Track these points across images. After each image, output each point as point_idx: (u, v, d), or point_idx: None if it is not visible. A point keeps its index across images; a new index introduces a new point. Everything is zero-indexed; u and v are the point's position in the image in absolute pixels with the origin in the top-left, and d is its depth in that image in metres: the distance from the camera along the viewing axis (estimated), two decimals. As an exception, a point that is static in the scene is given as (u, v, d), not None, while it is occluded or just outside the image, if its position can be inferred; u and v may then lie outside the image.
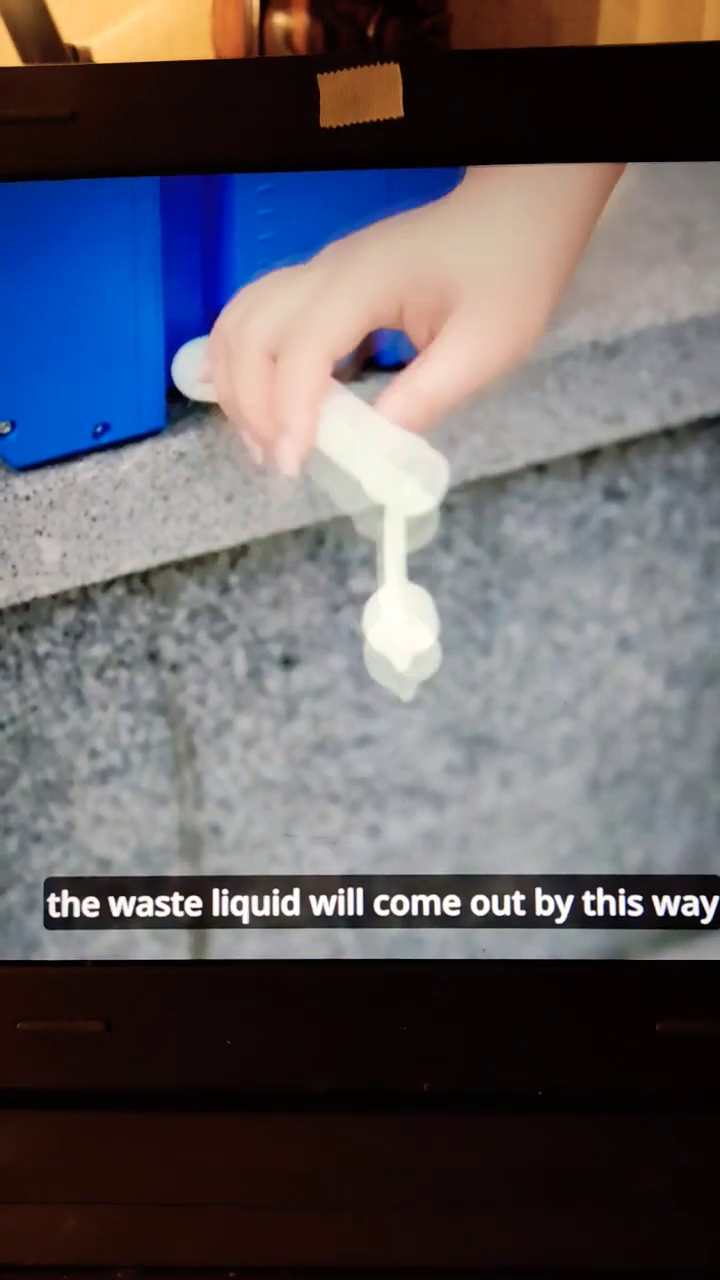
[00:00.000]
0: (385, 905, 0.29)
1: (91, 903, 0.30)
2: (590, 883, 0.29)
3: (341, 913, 0.29)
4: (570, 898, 0.29)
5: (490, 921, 0.29)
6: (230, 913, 0.30)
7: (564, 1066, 0.29)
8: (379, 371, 0.30)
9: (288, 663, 0.30)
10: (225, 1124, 0.29)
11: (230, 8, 0.62)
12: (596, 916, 0.29)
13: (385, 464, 0.28)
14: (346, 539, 0.30)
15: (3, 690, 0.30)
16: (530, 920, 0.29)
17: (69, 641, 0.30)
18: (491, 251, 0.28)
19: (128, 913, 0.30)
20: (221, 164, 0.29)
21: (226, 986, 0.29)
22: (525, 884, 0.29)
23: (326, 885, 0.30)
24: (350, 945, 0.29)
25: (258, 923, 0.29)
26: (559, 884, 0.29)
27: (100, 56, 0.60)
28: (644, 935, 0.29)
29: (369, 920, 0.29)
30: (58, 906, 0.30)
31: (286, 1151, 0.28)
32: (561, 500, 0.30)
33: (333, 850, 0.30)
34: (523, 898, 0.29)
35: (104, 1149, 0.28)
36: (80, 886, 0.30)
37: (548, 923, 0.29)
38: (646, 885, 0.29)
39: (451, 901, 0.29)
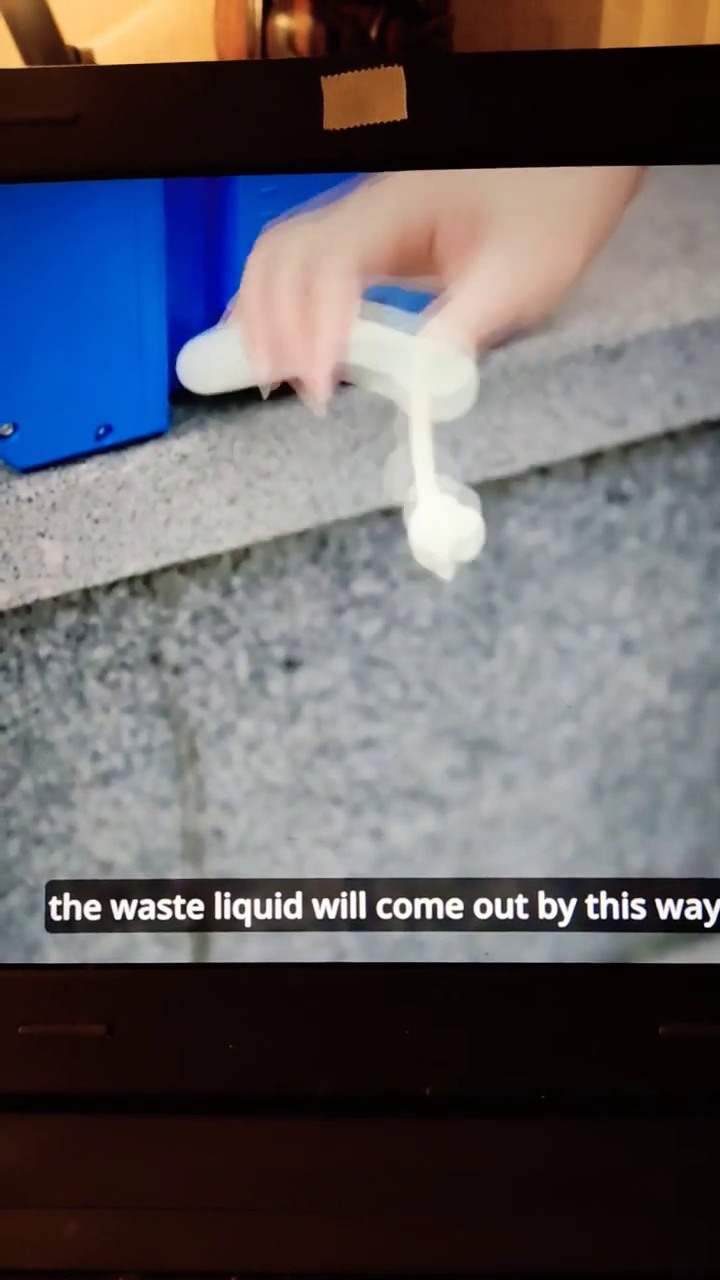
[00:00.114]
0: (388, 908, 0.29)
1: (93, 906, 0.30)
2: (593, 886, 0.29)
3: (344, 916, 0.29)
4: (573, 901, 0.29)
5: (493, 925, 0.29)
6: (232, 916, 0.29)
7: (567, 1070, 0.29)
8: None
9: (290, 665, 0.30)
10: (227, 1128, 0.29)
11: (233, 10, 0.62)
12: (599, 920, 0.29)
13: (414, 356, 0.28)
14: (349, 541, 0.30)
15: (5, 693, 0.30)
16: (533, 923, 0.29)
17: (71, 644, 0.30)
18: (526, 190, 0.29)
19: (129, 916, 0.30)
20: (225, 166, 0.29)
21: (229, 990, 0.29)
22: (528, 887, 0.29)
23: (329, 888, 0.29)
24: (353, 948, 0.29)
25: (260, 926, 0.29)
26: (562, 887, 0.29)
27: (103, 59, 0.61)
28: (647, 939, 0.29)
29: (371, 923, 0.29)
30: (59, 909, 0.30)
31: (288, 1155, 0.28)
32: (564, 503, 0.30)
33: (335, 853, 0.30)
34: (525, 901, 0.29)
35: (105, 1153, 0.28)
36: (82, 889, 0.30)
37: (550, 926, 0.29)
38: (649, 888, 0.29)
39: (454, 905, 0.29)
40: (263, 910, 0.29)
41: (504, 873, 0.29)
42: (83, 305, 0.29)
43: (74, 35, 0.60)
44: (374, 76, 0.29)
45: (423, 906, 0.29)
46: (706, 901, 0.29)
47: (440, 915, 0.29)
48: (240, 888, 0.30)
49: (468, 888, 0.29)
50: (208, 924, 0.29)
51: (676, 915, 0.29)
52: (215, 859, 0.30)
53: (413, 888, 0.29)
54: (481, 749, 0.30)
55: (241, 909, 0.29)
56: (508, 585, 0.30)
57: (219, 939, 0.29)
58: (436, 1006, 0.29)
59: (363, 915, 0.29)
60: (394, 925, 0.29)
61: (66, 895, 0.30)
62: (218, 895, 0.30)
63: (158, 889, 0.30)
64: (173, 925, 0.30)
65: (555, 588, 0.30)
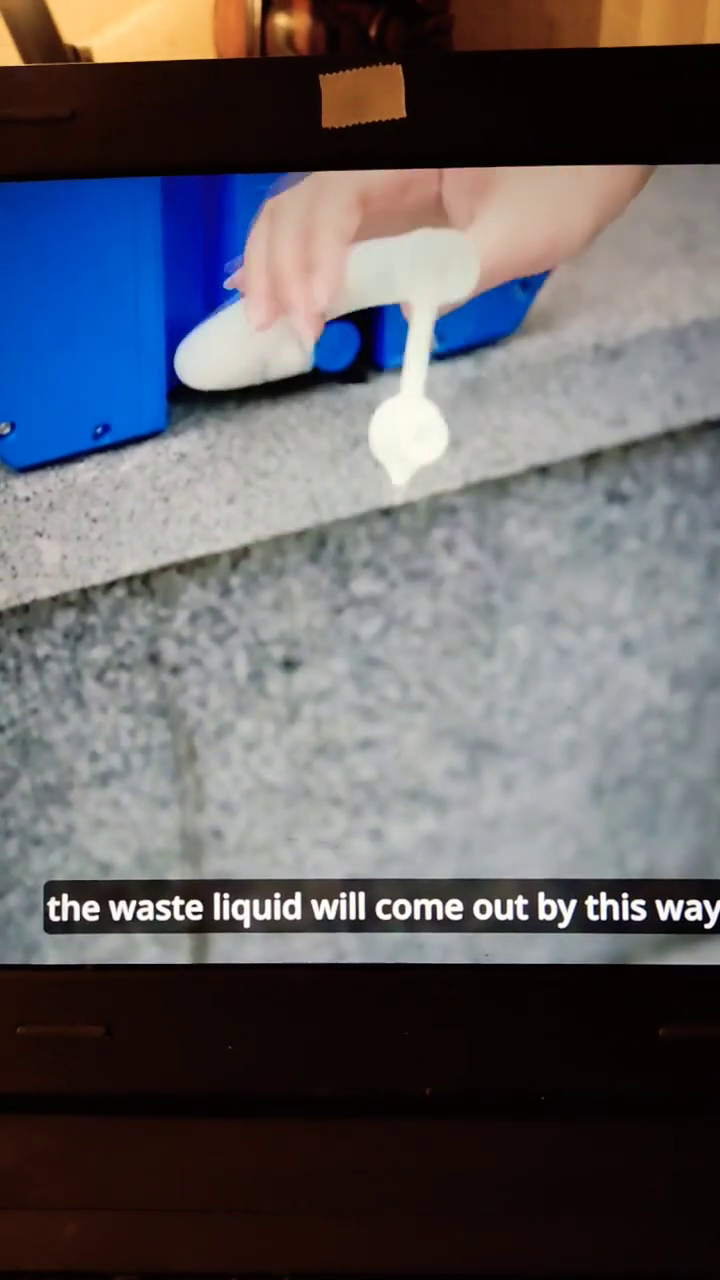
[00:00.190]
0: (387, 909, 0.29)
1: (92, 906, 0.30)
2: (593, 887, 0.29)
3: (343, 917, 0.29)
4: (573, 902, 0.29)
5: (493, 926, 0.29)
6: (231, 917, 0.29)
7: (567, 1072, 0.29)
8: (381, 373, 0.30)
9: (289, 665, 0.30)
10: (226, 1129, 0.29)
11: (232, 9, 0.62)
12: (599, 921, 0.29)
13: (416, 250, 0.28)
14: (348, 541, 0.30)
15: (2, 693, 0.30)
16: (533, 925, 0.29)
17: (69, 644, 0.30)
18: None
19: (128, 917, 0.29)
20: (223, 165, 0.29)
21: (228, 991, 0.29)
22: (528, 888, 0.29)
23: (328, 889, 0.29)
24: (352, 949, 0.29)
25: (259, 927, 0.29)
26: (562, 888, 0.29)
27: (101, 57, 0.60)
28: (647, 940, 0.29)
29: (371, 924, 0.29)
30: (58, 910, 0.30)
31: (288, 1156, 0.28)
32: (564, 503, 0.30)
33: (335, 854, 0.30)
34: (525, 902, 0.29)
35: (104, 1154, 0.28)
36: (80, 890, 0.30)
37: (550, 927, 0.29)
38: (649, 890, 0.29)
39: (454, 906, 0.29)
40: (262, 911, 0.29)
41: (504, 874, 0.29)
42: (80, 304, 0.29)
43: (73, 34, 0.60)
44: (372, 75, 0.29)
45: (422, 907, 0.29)
46: (706, 903, 0.29)
47: (440, 916, 0.29)
48: (239, 888, 0.29)
49: (467, 889, 0.29)
50: (207, 925, 0.29)
51: (676, 916, 0.29)
52: (214, 859, 0.30)
53: (412, 889, 0.29)
54: (481, 750, 0.30)
55: (240, 910, 0.29)
56: (507, 585, 0.30)
57: (218, 940, 0.29)
58: (436, 1008, 0.29)
59: (362, 916, 0.29)
60: (393, 926, 0.29)
61: (65, 896, 0.30)
62: (216, 896, 0.29)
63: (156, 890, 0.30)
64: (171, 926, 0.29)
65: (555, 588, 0.30)
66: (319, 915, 0.29)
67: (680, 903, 0.29)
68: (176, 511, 0.30)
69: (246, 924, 0.29)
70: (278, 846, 0.30)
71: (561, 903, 0.29)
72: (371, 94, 0.29)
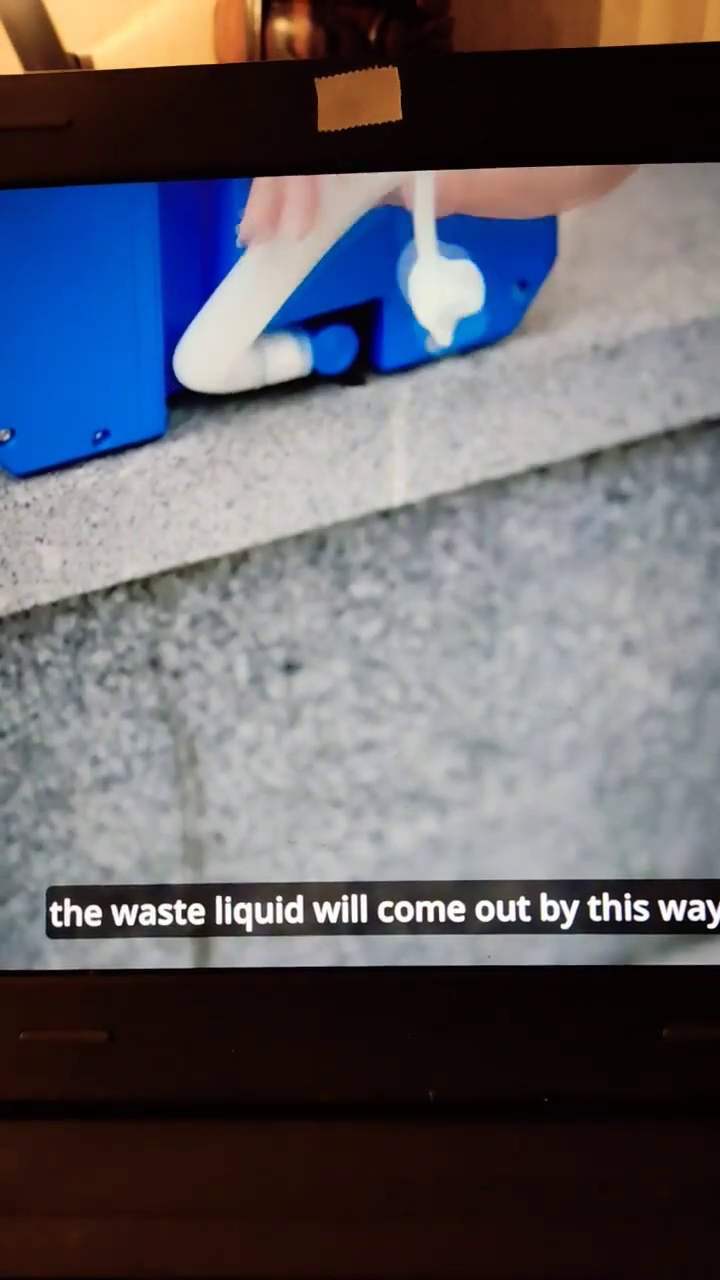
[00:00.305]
0: (389, 912, 0.29)
1: (94, 911, 0.30)
2: (596, 888, 0.29)
3: (345, 920, 0.29)
4: (575, 903, 0.29)
5: (495, 927, 0.29)
6: (234, 921, 0.29)
7: (570, 1074, 0.28)
8: (380, 375, 0.30)
9: (290, 668, 0.30)
10: (229, 1134, 0.28)
11: (232, 14, 0.62)
12: (602, 922, 0.29)
13: None
14: (348, 543, 0.30)
15: (4, 699, 0.30)
16: (535, 926, 0.29)
17: (70, 649, 0.30)
18: None
19: (130, 921, 0.29)
20: (219, 169, 0.29)
21: (230, 995, 0.29)
22: (530, 889, 0.29)
23: (330, 892, 0.29)
24: (354, 952, 0.29)
25: (261, 930, 0.29)
26: (564, 889, 0.29)
27: (103, 65, 0.61)
28: (650, 941, 0.29)
29: (373, 927, 0.29)
30: (60, 915, 0.30)
31: (291, 1161, 0.28)
32: (564, 503, 0.30)
33: (336, 856, 0.30)
34: (527, 903, 0.29)
35: (107, 1160, 0.28)
36: (82, 895, 0.30)
37: (553, 928, 0.29)
38: (652, 890, 0.29)
39: (456, 908, 0.29)
40: (264, 915, 0.29)
41: (506, 875, 0.29)
42: (79, 310, 0.29)
43: (74, 43, 0.60)
44: (368, 78, 0.29)
45: (424, 910, 0.29)
46: (710, 902, 0.29)
47: (442, 918, 0.29)
48: (241, 892, 0.29)
49: (469, 890, 0.29)
50: (209, 929, 0.29)
51: (680, 917, 0.29)
52: (216, 863, 0.30)
53: (414, 891, 0.29)
54: (482, 751, 0.30)
55: (242, 914, 0.29)
56: (507, 586, 0.30)
57: (220, 944, 0.29)
58: (438, 1010, 0.29)
59: (364, 919, 0.29)
60: (395, 929, 0.29)
61: (67, 901, 0.30)
62: (218, 900, 0.29)
63: (158, 894, 0.30)
64: (174, 930, 0.29)
65: (555, 588, 0.30)
66: (321, 918, 0.29)
67: (683, 903, 0.29)
68: (176, 516, 0.30)
69: (249, 928, 0.29)
70: (279, 849, 0.30)
71: (564, 904, 0.29)
72: (367, 97, 0.29)
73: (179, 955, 0.29)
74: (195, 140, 0.29)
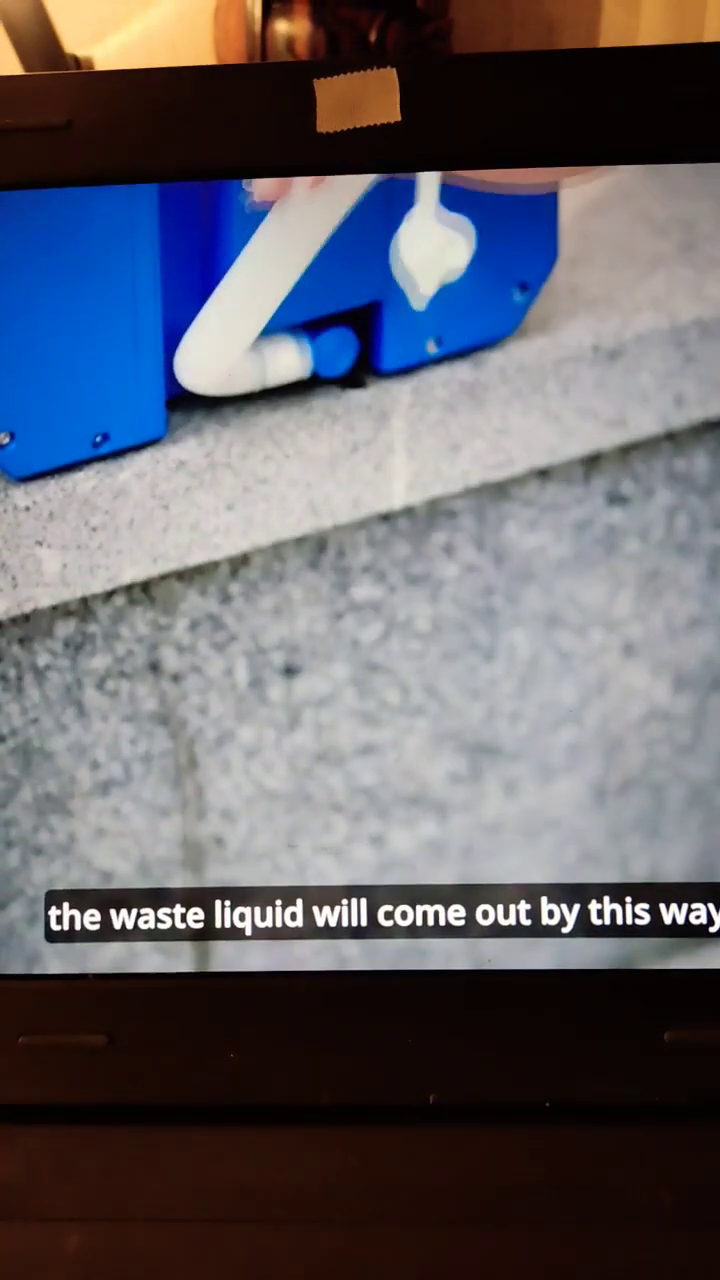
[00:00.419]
0: (389, 915, 0.29)
1: (93, 915, 0.30)
2: (596, 891, 0.29)
3: (345, 924, 0.29)
4: (576, 906, 0.29)
5: (495, 931, 0.29)
6: (233, 924, 0.29)
7: (571, 1078, 0.28)
8: (380, 378, 0.30)
9: (290, 672, 0.30)
10: (229, 1138, 0.28)
11: (232, 15, 0.62)
12: (603, 925, 0.29)
13: None
14: (348, 546, 0.30)
15: (3, 702, 0.30)
16: (536, 930, 0.29)
17: (69, 653, 0.30)
18: None
19: (129, 925, 0.29)
20: (218, 171, 0.29)
21: (230, 999, 0.29)
22: (530, 893, 0.29)
23: (330, 896, 0.29)
24: (354, 956, 0.29)
25: (260, 934, 0.29)
26: (564, 893, 0.29)
27: (103, 66, 0.61)
28: (651, 944, 0.29)
29: (373, 931, 0.29)
30: (59, 919, 0.30)
31: (291, 1166, 0.28)
32: (564, 505, 0.30)
33: (336, 860, 0.29)
34: (528, 907, 0.29)
35: (107, 1164, 0.28)
36: (81, 899, 0.30)
37: (553, 932, 0.29)
38: (653, 893, 0.29)
39: (456, 911, 0.29)
40: (263, 918, 0.29)
41: (507, 879, 0.29)
42: (78, 313, 0.29)
43: (74, 43, 0.60)
44: (366, 79, 0.29)
45: (424, 913, 0.29)
46: (711, 905, 0.29)
47: (442, 922, 0.29)
48: (240, 896, 0.29)
49: (469, 894, 0.29)
50: (208, 933, 0.29)
51: (681, 920, 0.29)
52: (216, 867, 0.30)
53: (414, 894, 0.29)
54: (483, 753, 0.30)
55: (242, 917, 0.29)
56: (508, 588, 0.30)
57: (220, 948, 0.29)
58: (439, 1014, 0.29)
59: (364, 923, 0.29)
60: (395, 933, 0.29)
61: (66, 905, 0.30)
62: (218, 904, 0.29)
63: (158, 898, 0.29)
64: (173, 934, 0.29)
65: (555, 590, 0.30)
66: (320, 922, 0.29)
67: (684, 906, 0.29)
68: (176, 519, 0.30)
69: (248, 931, 0.29)
70: (279, 853, 0.30)
71: (564, 907, 0.29)
72: (366, 98, 0.29)
73: (178, 959, 0.29)
74: (194, 141, 0.29)
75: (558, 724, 0.30)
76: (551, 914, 0.29)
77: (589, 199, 0.29)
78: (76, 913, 0.30)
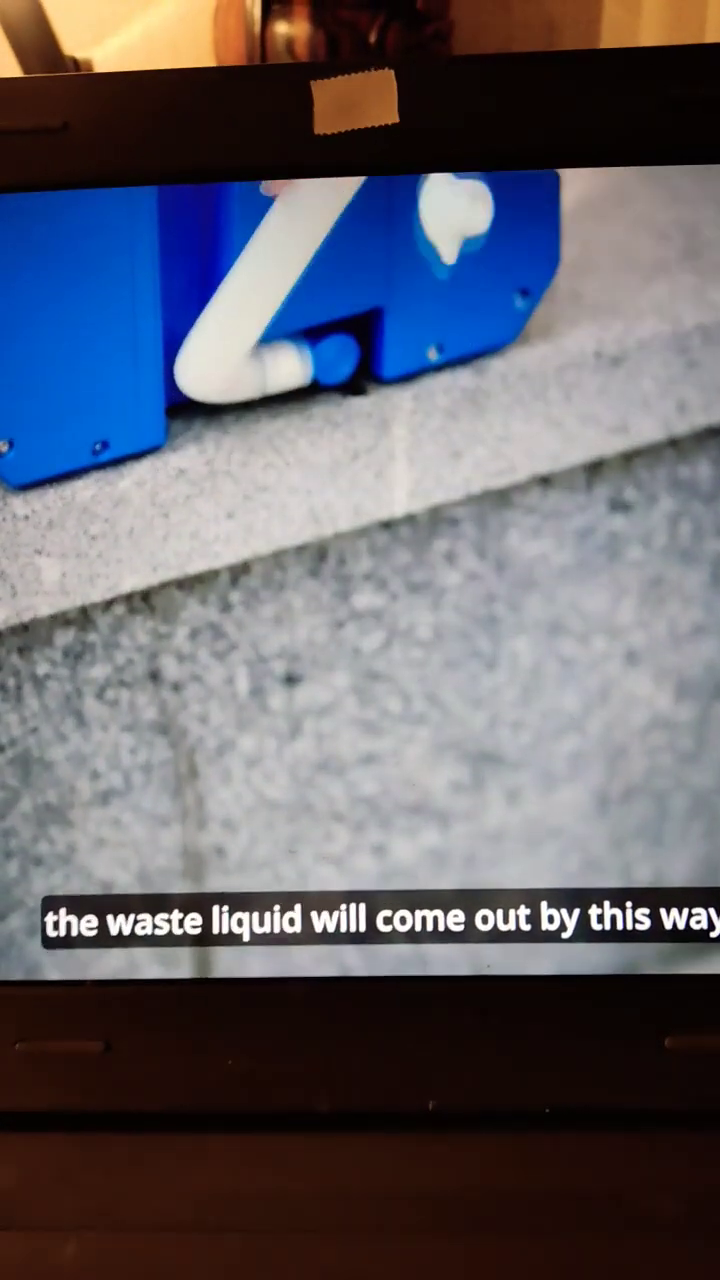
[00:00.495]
0: (388, 921, 0.29)
1: (90, 921, 0.29)
2: (597, 896, 0.29)
3: (343, 929, 0.29)
4: (576, 911, 0.29)
5: (495, 937, 0.29)
6: (230, 930, 0.29)
7: (571, 1084, 0.28)
8: (381, 385, 0.30)
9: (290, 680, 0.30)
10: (227, 1146, 0.28)
11: (232, 17, 0.62)
12: (603, 930, 0.29)
13: None
14: (349, 554, 0.29)
15: (3, 712, 0.30)
16: (535, 935, 0.29)
17: (69, 662, 0.30)
18: None
19: (126, 931, 0.29)
20: (215, 173, 0.29)
21: (228, 1005, 0.29)
22: (530, 898, 0.29)
23: (328, 901, 0.29)
24: (353, 962, 0.29)
25: (258, 940, 0.29)
26: (565, 898, 0.29)
27: (103, 68, 0.61)
28: (652, 949, 0.29)
29: (371, 936, 0.29)
30: (55, 925, 0.29)
31: (289, 1173, 0.28)
32: (566, 512, 0.30)
33: (338, 870, 0.29)
34: (528, 912, 0.29)
35: (104, 1172, 0.28)
36: (78, 905, 0.29)
37: (553, 937, 0.29)
38: (654, 898, 0.29)
39: (455, 916, 0.29)
40: (261, 924, 0.29)
41: (509, 887, 0.29)
42: (77, 320, 0.29)
43: (74, 45, 0.60)
44: (364, 80, 0.28)
45: (424, 919, 0.29)
46: (712, 910, 0.29)
47: (441, 927, 0.29)
48: (238, 901, 0.29)
49: (469, 899, 0.29)
50: (205, 938, 0.29)
51: (682, 925, 0.29)
52: (216, 877, 0.30)
53: (413, 900, 0.29)
54: (485, 762, 0.29)
55: (239, 923, 0.29)
56: (510, 596, 0.29)
57: (217, 954, 0.29)
58: (438, 1020, 0.29)
59: (363, 928, 0.29)
60: (394, 938, 0.29)
61: (63, 910, 0.29)
62: (215, 909, 0.29)
63: (155, 903, 0.29)
64: (170, 940, 0.29)
65: (558, 598, 0.29)
66: (319, 928, 0.29)
67: (685, 911, 0.29)
68: (176, 527, 0.29)
69: (245, 937, 0.29)
70: (280, 863, 0.29)
71: (564, 912, 0.29)
72: (364, 99, 0.28)
73: (176, 965, 0.29)
74: (191, 143, 0.29)
75: (560, 732, 0.29)
76: (551, 919, 0.29)
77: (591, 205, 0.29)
78: (73, 919, 0.29)
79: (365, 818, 0.29)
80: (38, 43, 0.58)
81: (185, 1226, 0.27)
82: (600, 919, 0.29)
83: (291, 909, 0.29)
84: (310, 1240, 0.26)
